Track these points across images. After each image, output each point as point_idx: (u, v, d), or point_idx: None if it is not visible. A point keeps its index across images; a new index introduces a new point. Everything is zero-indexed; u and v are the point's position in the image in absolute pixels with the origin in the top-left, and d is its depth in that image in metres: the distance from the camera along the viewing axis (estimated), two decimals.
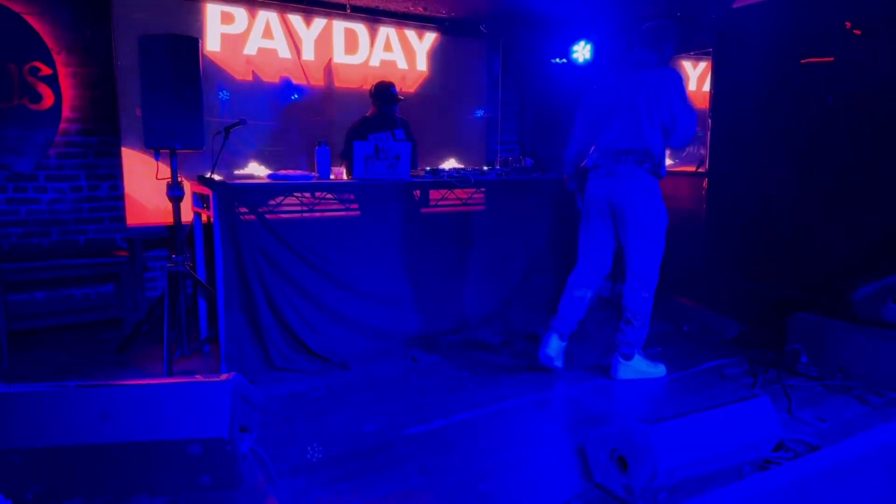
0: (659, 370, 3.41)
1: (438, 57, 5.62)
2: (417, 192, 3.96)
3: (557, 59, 5.89)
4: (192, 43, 3.31)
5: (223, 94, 4.69)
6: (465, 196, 4.12)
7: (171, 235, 3.91)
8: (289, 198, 3.55)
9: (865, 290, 3.29)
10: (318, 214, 3.66)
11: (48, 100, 4.28)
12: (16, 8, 4.15)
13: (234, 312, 3.34)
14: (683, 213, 5.30)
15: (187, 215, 3.94)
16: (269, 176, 3.82)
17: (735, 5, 4.71)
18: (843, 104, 4.22)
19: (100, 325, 4.31)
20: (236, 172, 4.75)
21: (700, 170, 5.24)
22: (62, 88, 4.31)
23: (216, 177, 3.52)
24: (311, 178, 3.74)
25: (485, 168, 4.44)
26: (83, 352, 3.84)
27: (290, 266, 3.49)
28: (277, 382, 3.28)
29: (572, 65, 5.76)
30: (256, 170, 4.82)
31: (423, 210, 4.02)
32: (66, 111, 4.36)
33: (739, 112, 4.83)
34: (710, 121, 5.03)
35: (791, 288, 4.28)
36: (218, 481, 1.58)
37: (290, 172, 3.82)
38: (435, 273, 4.00)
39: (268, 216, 3.41)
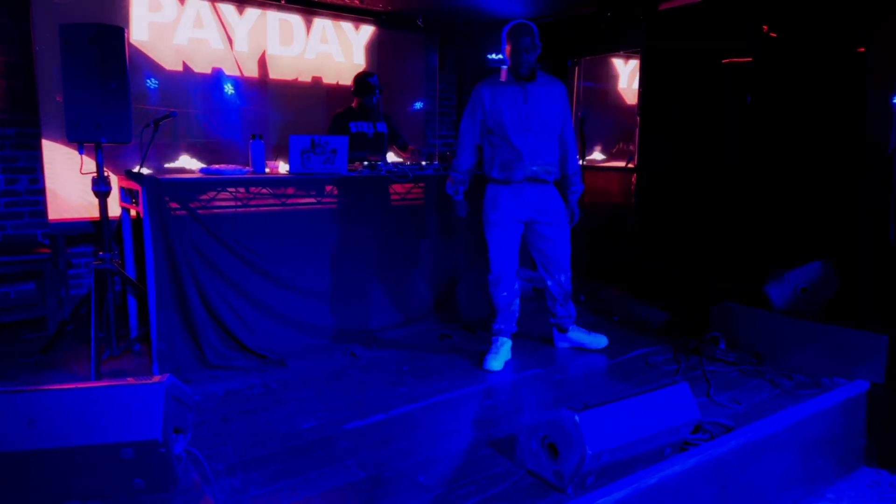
0: (599, 340, 3.78)
1: (376, 50, 5.60)
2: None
3: (494, 56, 5.97)
4: (117, 32, 3.20)
5: (151, 83, 4.54)
6: (402, 191, 4.15)
7: (98, 231, 3.78)
8: (223, 193, 3.48)
9: (777, 280, 3.53)
10: (253, 209, 3.61)
11: None
12: None
13: (165, 310, 3.27)
14: (614, 207, 5.52)
15: (115, 210, 3.81)
16: (202, 170, 3.74)
17: (662, 7, 4.91)
18: (760, 102, 4.49)
19: (21, 325, 4.12)
20: (167, 166, 4.62)
21: (629, 165, 5.45)
22: None
23: (145, 171, 3.42)
24: (245, 172, 3.68)
25: (423, 163, 4.47)
26: (4, 353, 3.67)
27: (223, 262, 3.43)
28: (213, 381, 3.24)
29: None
30: (189, 163, 4.70)
31: (365, 204, 4.02)
32: None
33: (666, 109, 5.05)
34: (638, 118, 5.24)
35: (716, 278, 4.53)
36: (152, 484, 1.57)
37: (223, 167, 3.75)
38: (375, 267, 4.02)
39: (200, 211, 3.34)
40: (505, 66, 3.49)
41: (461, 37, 6.13)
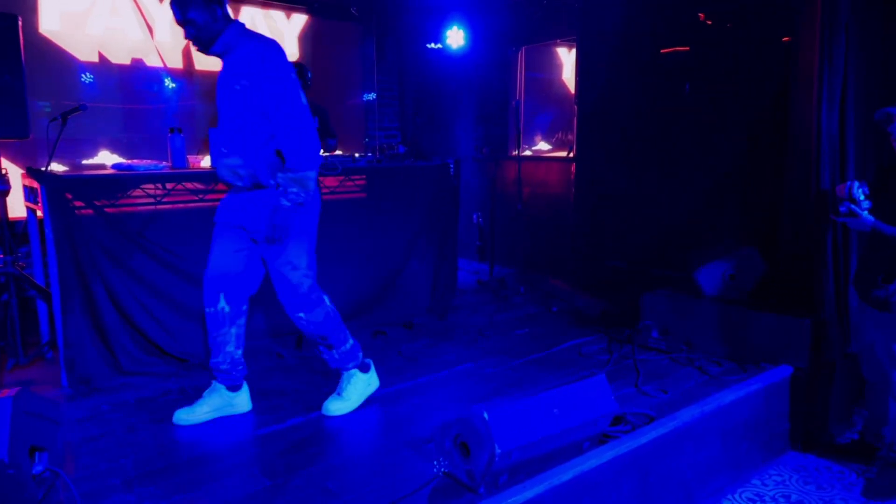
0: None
1: (309, 40, 5.44)
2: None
3: (432, 45, 5.87)
4: (9, 21, 2.99)
5: (63, 75, 4.31)
6: (334, 184, 4.01)
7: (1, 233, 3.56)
8: (136, 190, 3.30)
9: (706, 267, 3.53)
10: (170, 207, 3.44)
11: None
12: None
13: (73, 315, 3.08)
14: (553, 197, 5.49)
15: (22, 210, 3.60)
16: (114, 166, 3.55)
17: None
18: (697, 91, 4.49)
19: None
20: (85, 162, 4.40)
21: (569, 155, 5.42)
22: None
23: (55, 167, 3.22)
24: (162, 167, 3.51)
25: (356, 155, 4.35)
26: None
27: (137, 264, 3.26)
28: (125, 388, 3.08)
29: (447, 50, 5.76)
30: (108, 159, 4.49)
31: None
32: None
33: (603, 99, 5.02)
34: (576, 107, 5.20)
35: (652, 266, 4.53)
36: None
37: (137, 162, 3.56)
38: None
39: (108, 210, 3.16)
40: None
41: (399, 25, 6.01)
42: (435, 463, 2.22)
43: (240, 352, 2.76)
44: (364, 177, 4.18)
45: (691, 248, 3.77)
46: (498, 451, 1.98)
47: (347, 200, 4.11)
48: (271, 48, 2.45)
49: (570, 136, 5.61)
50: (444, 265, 4.54)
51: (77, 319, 3.10)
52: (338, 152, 5.50)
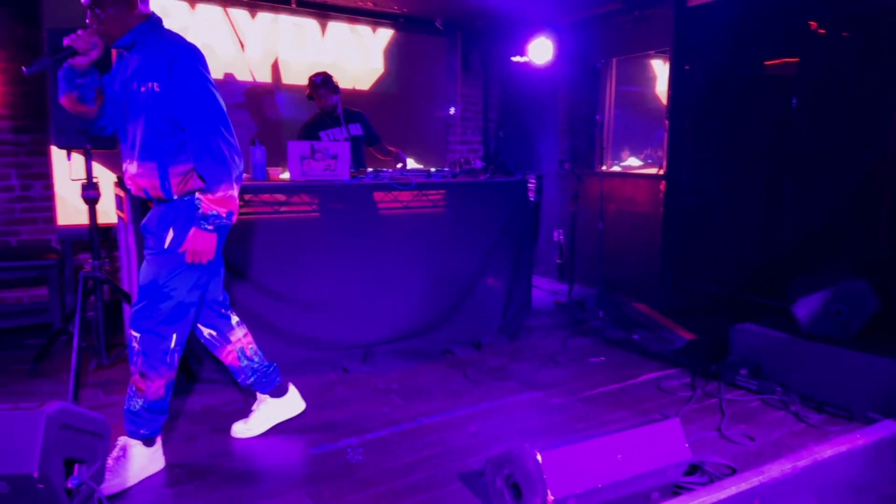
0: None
1: (394, 53, 5.47)
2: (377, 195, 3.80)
3: (517, 58, 5.75)
4: None
5: None
6: (408, 198, 3.97)
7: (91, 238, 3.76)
8: None
9: (807, 298, 3.17)
10: (246, 217, 3.50)
11: None
12: None
13: None
14: (640, 216, 5.19)
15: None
16: None
17: (690, 4, 4.58)
18: (806, 105, 4.11)
19: (30, 329, 4.15)
20: None
21: (659, 172, 5.12)
22: None
23: None
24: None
25: (432, 170, 4.29)
26: (4, 358, 3.68)
27: None
28: (194, 394, 3.14)
29: (533, 63, 5.62)
30: None
31: (365, 212, 3.87)
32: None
33: (697, 113, 4.71)
34: (667, 122, 4.91)
35: (746, 294, 4.16)
36: None
37: None
38: (376, 278, 3.84)
39: None
40: None
41: (485, 39, 5.93)
42: (486, 500, 2.07)
43: (257, 358, 2.69)
44: (441, 192, 4.11)
45: (792, 276, 3.41)
46: (551, 497, 1.81)
47: (422, 215, 4.05)
48: (188, 50, 2.20)
49: (659, 153, 5.30)
50: (519, 284, 4.38)
51: None
52: (419, 166, 5.49)
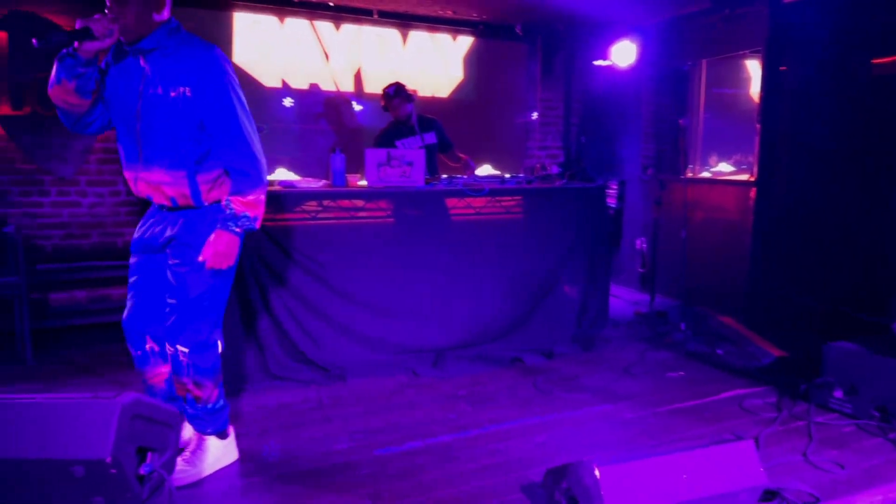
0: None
1: (474, 60, 5.49)
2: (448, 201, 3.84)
3: (600, 62, 5.62)
4: None
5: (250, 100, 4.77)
6: (481, 204, 3.97)
7: None
8: (294, 206, 3.52)
9: None
10: (323, 222, 3.62)
11: None
12: (58, 20, 4.38)
13: (232, 318, 3.33)
14: (727, 224, 4.93)
15: None
16: (280, 183, 3.82)
17: (786, 0, 4.31)
18: None
19: None
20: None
21: (749, 178, 4.85)
22: None
23: None
24: (320, 185, 3.71)
25: (506, 176, 4.28)
26: (107, 351, 3.97)
27: (290, 274, 3.46)
28: (270, 391, 3.27)
29: (616, 67, 5.48)
30: (285, 175, 4.87)
31: (439, 218, 3.91)
32: None
33: (793, 116, 4.42)
34: (758, 126, 4.64)
35: (846, 309, 3.86)
36: (111, 503, 1.55)
37: (299, 181, 3.80)
38: (449, 284, 3.87)
39: (268, 224, 3.39)
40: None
41: (566, 43, 5.85)
42: None
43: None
44: (515, 198, 4.09)
45: (893, 291, 3.13)
46: None
47: (495, 221, 4.04)
48: (221, 56, 2.17)
49: (750, 158, 5.01)
50: (595, 293, 4.28)
51: (235, 322, 3.36)
52: (496, 172, 5.48)
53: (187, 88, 2.11)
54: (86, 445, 1.45)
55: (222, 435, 2.41)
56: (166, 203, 2.22)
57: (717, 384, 3.38)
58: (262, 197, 2.25)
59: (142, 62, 2.12)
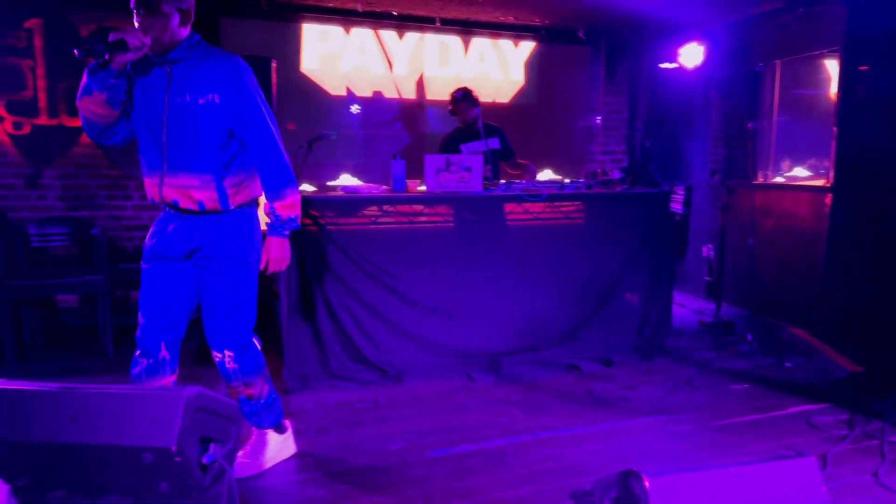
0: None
1: (535, 65, 5.49)
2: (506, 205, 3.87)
3: (666, 64, 5.51)
4: (265, 63, 3.52)
5: (316, 108, 4.94)
6: (538, 209, 3.97)
7: None
8: (356, 210, 3.63)
9: None
10: (384, 227, 3.71)
11: None
12: None
13: (296, 319, 3.48)
14: (800, 232, 4.72)
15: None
16: (342, 189, 3.94)
17: None
18: None
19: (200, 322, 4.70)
20: (328, 184, 4.96)
21: (824, 184, 4.62)
22: None
23: (305, 188, 3.69)
24: (381, 191, 3.81)
25: (566, 181, 4.24)
26: (183, 348, 4.19)
27: (351, 277, 3.56)
28: (331, 390, 3.38)
29: (683, 69, 5.36)
30: (348, 181, 5.00)
31: (497, 223, 3.93)
32: None
33: (874, 119, 4.19)
34: (835, 129, 4.43)
35: None
36: (176, 489, 1.65)
37: (361, 186, 3.91)
38: (506, 289, 3.88)
39: (330, 227, 3.51)
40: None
41: (631, 46, 5.75)
42: None
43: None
44: (574, 203, 4.06)
45: None
46: None
47: (554, 227, 4.02)
48: (246, 65, 2.25)
49: (826, 162, 4.78)
50: (657, 301, 4.18)
51: (299, 322, 3.49)
52: (557, 177, 5.45)
53: (216, 96, 2.18)
54: (154, 434, 1.56)
55: (280, 429, 2.52)
56: (193, 207, 2.23)
57: (784, 398, 3.25)
58: (298, 196, 2.33)
59: (166, 73, 2.18)
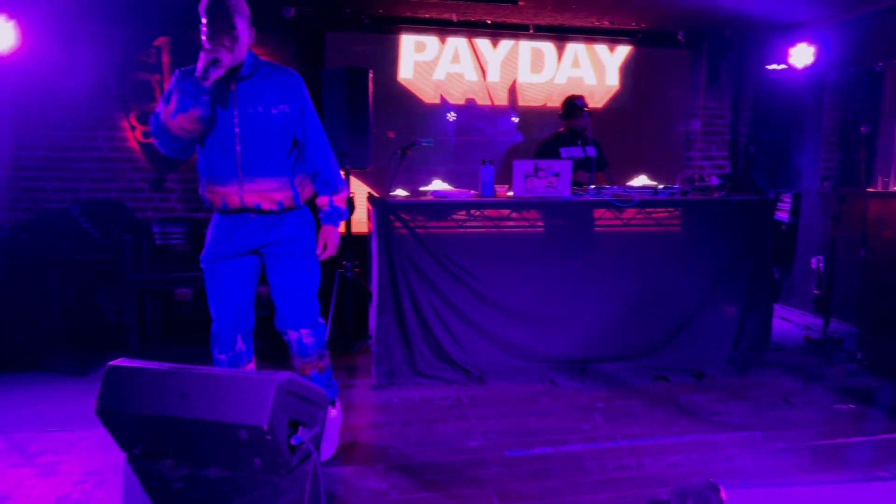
0: None
1: (631, 70, 5.39)
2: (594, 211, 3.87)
3: (773, 66, 5.24)
4: (362, 74, 3.71)
5: (412, 116, 5.11)
6: (628, 216, 3.91)
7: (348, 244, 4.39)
8: (446, 214, 3.74)
9: None
10: (470, 231, 3.80)
11: None
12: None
13: (385, 317, 3.63)
14: None
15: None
16: (432, 193, 4.07)
17: None
18: None
19: None
20: (421, 189, 5.12)
21: None
22: None
23: (400, 193, 3.86)
24: (469, 195, 3.90)
25: (659, 187, 4.15)
26: (281, 342, 4.48)
27: (437, 278, 3.67)
28: (416, 387, 3.50)
29: (792, 70, 5.08)
30: (440, 186, 5.15)
31: (586, 229, 3.91)
32: None
33: None
34: None
35: None
36: (267, 465, 1.80)
37: (449, 191, 4.02)
38: (594, 295, 3.85)
39: (419, 231, 3.64)
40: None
41: (735, 47, 5.52)
42: None
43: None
44: (667, 210, 3.97)
45: None
46: None
47: (645, 234, 3.95)
48: (301, 77, 2.51)
49: None
50: (755, 313, 4.00)
51: (388, 321, 3.64)
52: (652, 183, 5.32)
53: (285, 105, 2.41)
54: (248, 413, 1.71)
55: (333, 402, 2.75)
56: (273, 207, 2.44)
57: (893, 422, 3.02)
58: (348, 192, 2.68)
59: (230, 88, 2.35)
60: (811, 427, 2.97)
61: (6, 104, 4.35)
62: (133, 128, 4.87)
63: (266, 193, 2.42)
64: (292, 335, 2.59)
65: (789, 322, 4.97)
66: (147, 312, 4.33)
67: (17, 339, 3.84)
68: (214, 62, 2.19)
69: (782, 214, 5.53)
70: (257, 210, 2.44)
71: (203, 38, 2.26)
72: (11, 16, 3.93)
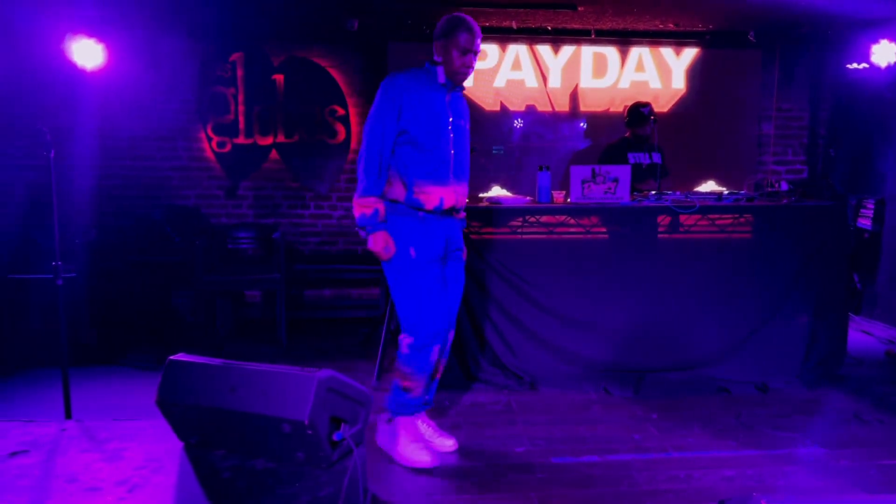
0: (418, 457, 2.61)
1: (698, 72, 5.24)
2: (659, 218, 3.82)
3: (854, 65, 4.97)
4: None
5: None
6: (691, 222, 3.81)
7: None
8: (501, 220, 3.76)
9: None
10: (526, 237, 3.80)
11: (340, 135, 5.30)
12: (322, 63, 5.24)
13: None
14: None
15: None
16: (488, 200, 4.10)
17: None
18: None
19: (365, 321, 5.11)
20: (480, 195, 5.16)
21: None
22: (351, 125, 5.29)
23: None
24: (525, 201, 3.90)
25: (724, 192, 4.01)
26: (342, 341, 4.64)
27: (491, 284, 3.70)
28: (467, 391, 3.53)
29: (874, 69, 4.80)
30: (498, 192, 5.16)
31: (647, 235, 3.84)
32: (353, 144, 5.32)
33: None
34: None
35: None
36: (309, 459, 1.88)
37: (506, 197, 4.04)
38: (653, 303, 3.77)
39: (473, 237, 3.68)
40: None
41: (811, 46, 5.26)
42: None
43: None
44: (733, 216, 3.84)
45: None
46: None
47: (709, 241, 3.84)
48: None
49: None
50: (826, 325, 3.79)
51: None
52: (718, 188, 5.14)
53: (468, 120, 2.76)
54: (292, 408, 1.80)
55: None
56: (461, 208, 2.76)
57: None
58: None
59: (445, 99, 2.63)
60: (883, 446, 2.80)
61: (94, 117, 4.72)
62: (210, 138, 5.17)
63: (463, 196, 2.75)
64: (451, 336, 2.82)
65: (870, 335, 4.68)
66: (218, 313, 4.57)
67: (102, 335, 4.15)
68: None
69: (865, 221, 5.22)
70: (455, 210, 2.72)
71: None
72: (100, 39, 4.27)
